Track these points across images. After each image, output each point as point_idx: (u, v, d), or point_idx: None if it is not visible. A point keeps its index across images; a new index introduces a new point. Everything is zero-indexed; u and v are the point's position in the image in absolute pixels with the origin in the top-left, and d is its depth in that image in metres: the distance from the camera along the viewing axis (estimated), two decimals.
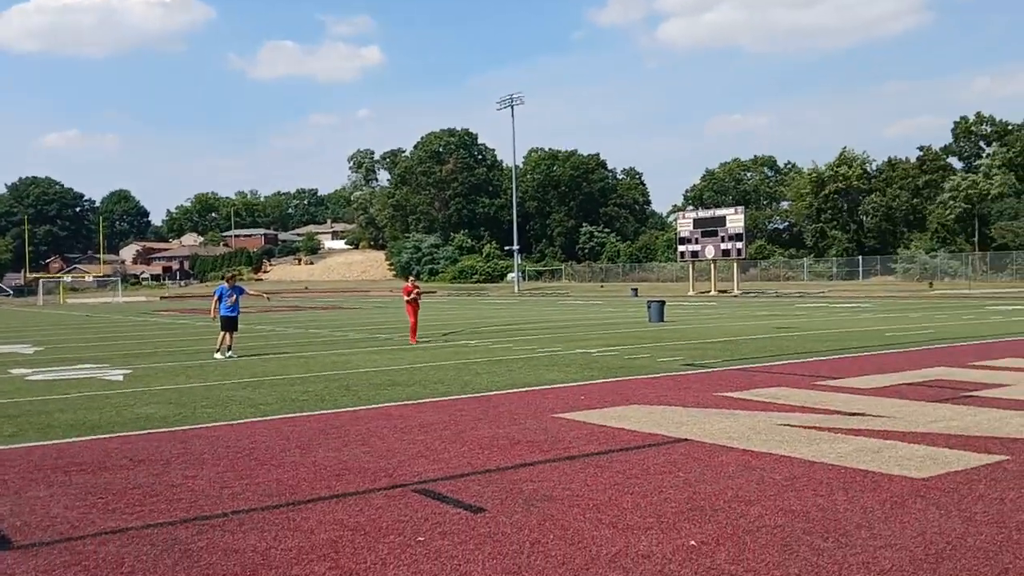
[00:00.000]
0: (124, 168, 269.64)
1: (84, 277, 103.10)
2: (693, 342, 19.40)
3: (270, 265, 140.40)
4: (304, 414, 10.30)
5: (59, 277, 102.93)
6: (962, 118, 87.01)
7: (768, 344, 18.50)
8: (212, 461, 7.72)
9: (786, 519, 5.49)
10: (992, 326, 22.99)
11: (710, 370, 13.79)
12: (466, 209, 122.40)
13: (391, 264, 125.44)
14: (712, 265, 64.27)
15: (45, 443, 8.77)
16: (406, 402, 11.07)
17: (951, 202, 75.32)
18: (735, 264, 63.84)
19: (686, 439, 8.14)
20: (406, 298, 21.11)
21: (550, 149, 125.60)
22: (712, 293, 61.16)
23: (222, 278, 19.53)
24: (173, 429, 9.45)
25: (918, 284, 69.26)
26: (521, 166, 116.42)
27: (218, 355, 17.69)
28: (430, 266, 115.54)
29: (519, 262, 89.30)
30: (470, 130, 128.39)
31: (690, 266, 66.08)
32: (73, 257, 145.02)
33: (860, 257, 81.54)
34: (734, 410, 9.66)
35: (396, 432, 8.93)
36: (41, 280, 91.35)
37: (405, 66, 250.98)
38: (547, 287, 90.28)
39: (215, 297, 18.44)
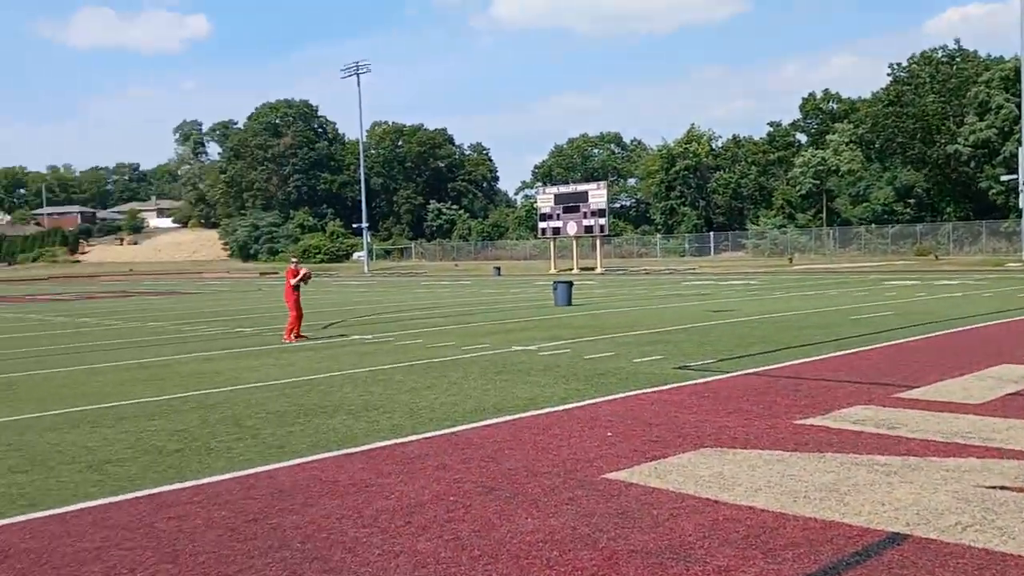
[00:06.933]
0: None
1: None
2: (641, 333, 16.21)
3: (88, 246, 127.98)
4: (186, 484, 6.31)
5: None
6: (810, 94, 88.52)
7: (739, 334, 15.36)
8: None
9: None
10: (955, 304, 21.10)
11: (721, 376, 10.56)
12: (307, 186, 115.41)
13: (226, 243, 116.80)
14: (574, 242, 62.10)
15: None
16: (344, 450, 7.23)
17: (801, 177, 76.28)
18: (598, 241, 61.95)
19: (901, 534, 4.78)
20: (292, 281, 16.76)
21: (395, 123, 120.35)
22: (575, 271, 58.91)
23: None
24: None
25: (772, 259, 69.74)
26: (365, 141, 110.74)
27: None
28: (269, 245, 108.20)
29: (368, 240, 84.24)
30: (309, 102, 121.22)
31: (551, 243, 63.62)
32: None
33: (711, 233, 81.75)
34: (863, 454, 6.45)
35: (372, 532, 5.15)
36: None
37: (234, 36, 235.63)
38: (399, 267, 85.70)
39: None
